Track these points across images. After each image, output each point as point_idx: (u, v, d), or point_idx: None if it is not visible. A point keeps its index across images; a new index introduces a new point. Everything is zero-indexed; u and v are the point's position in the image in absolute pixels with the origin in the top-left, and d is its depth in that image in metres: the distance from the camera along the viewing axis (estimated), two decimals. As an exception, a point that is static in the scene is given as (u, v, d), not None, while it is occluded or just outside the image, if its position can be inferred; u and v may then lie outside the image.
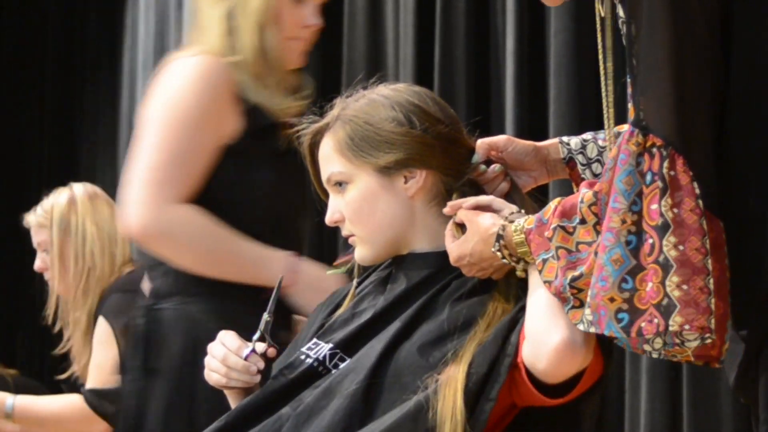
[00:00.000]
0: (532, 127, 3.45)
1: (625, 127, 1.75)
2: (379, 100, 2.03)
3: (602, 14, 1.85)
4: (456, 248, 1.94)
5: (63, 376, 3.52)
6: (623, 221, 1.68)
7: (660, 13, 1.67)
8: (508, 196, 2.02)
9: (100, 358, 3.34)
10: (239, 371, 2.03)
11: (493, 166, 2.05)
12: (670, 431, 3.15)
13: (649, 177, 1.67)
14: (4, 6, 6.12)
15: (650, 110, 1.68)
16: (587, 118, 3.25)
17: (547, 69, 3.46)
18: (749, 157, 1.70)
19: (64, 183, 3.63)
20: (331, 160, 2.04)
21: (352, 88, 2.09)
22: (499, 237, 1.87)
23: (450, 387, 1.82)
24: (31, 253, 3.59)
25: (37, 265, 3.53)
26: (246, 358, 2.03)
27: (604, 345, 1.85)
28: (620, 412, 3.26)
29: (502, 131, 3.38)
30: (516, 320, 1.88)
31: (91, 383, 3.33)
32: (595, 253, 1.73)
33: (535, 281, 1.86)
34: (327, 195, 2.08)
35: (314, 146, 2.08)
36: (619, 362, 3.19)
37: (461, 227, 1.96)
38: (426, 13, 3.85)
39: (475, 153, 2.05)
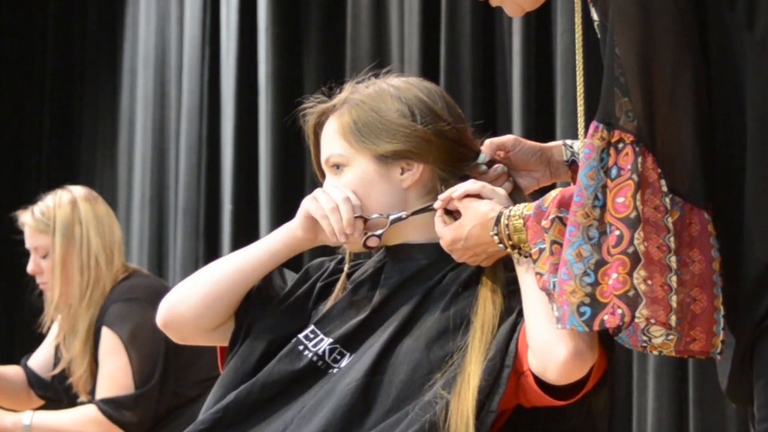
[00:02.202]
0: (539, 126, 3.46)
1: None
2: (388, 90, 2.04)
3: (577, 19, 1.87)
4: (450, 231, 1.94)
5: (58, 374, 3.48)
6: (586, 215, 1.69)
7: (627, 8, 1.67)
8: (509, 198, 2.02)
9: (110, 369, 3.30)
10: (338, 220, 1.98)
11: (495, 166, 2.05)
12: (677, 430, 3.16)
13: (614, 171, 1.67)
14: (4, 5, 6.11)
15: (625, 107, 1.67)
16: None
17: (554, 68, 3.46)
18: (730, 146, 1.69)
19: (63, 182, 3.58)
20: (332, 142, 2.04)
21: (363, 75, 2.10)
22: (497, 221, 1.88)
23: (461, 417, 1.83)
24: (29, 253, 3.49)
25: (31, 267, 3.44)
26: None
27: (605, 339, 1.85)
28: (628, 411, 3.27)
29: (508, 131, 3.38)
30: (515, 326, 1.90)
31: (103, 393, 3.29)
32: None
33: (527, 281, 1.87)
34: (324, 176, 2.08)
35: (318, 126, 2.08)
36: (626, 362, 3.20)
37: (451, 215, 1.97)
38: (431, 12, 3.84)
39: (481, 153, 2.05)
